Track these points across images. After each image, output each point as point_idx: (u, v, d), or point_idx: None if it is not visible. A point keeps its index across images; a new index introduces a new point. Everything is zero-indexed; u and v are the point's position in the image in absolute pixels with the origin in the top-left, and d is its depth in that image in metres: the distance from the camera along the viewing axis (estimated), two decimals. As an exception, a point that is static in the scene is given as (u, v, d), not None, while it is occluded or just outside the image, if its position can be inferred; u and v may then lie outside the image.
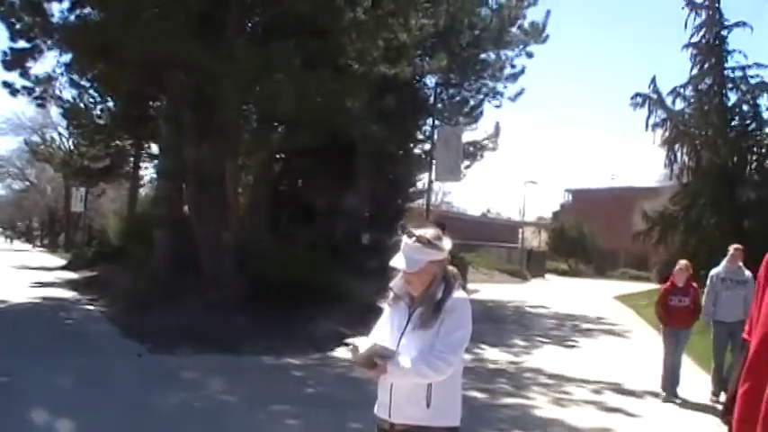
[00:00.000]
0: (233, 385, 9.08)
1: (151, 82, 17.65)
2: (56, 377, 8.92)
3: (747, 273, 8.91)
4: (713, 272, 9.56)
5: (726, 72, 28.47)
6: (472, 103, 27.50)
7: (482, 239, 52.14)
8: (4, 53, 17.52)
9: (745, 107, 28.69)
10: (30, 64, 18.51)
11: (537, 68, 58.83)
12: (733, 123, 28.49)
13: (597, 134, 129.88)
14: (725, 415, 2.91)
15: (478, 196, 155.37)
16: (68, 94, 26.69)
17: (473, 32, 25.10)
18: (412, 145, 27.76)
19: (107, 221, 41.15)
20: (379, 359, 3.08)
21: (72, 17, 16.58)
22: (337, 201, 23.62)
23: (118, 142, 31.57)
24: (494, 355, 12.85)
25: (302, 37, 14.81)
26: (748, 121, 28.43)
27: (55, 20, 16.49)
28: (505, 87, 26.95)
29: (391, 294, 3.37)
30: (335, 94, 15.00)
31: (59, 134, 44.94)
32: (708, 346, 9.89)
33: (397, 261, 3.19)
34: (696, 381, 10.20)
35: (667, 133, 29.12)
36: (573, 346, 14.60)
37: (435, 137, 25.16)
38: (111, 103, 25.82)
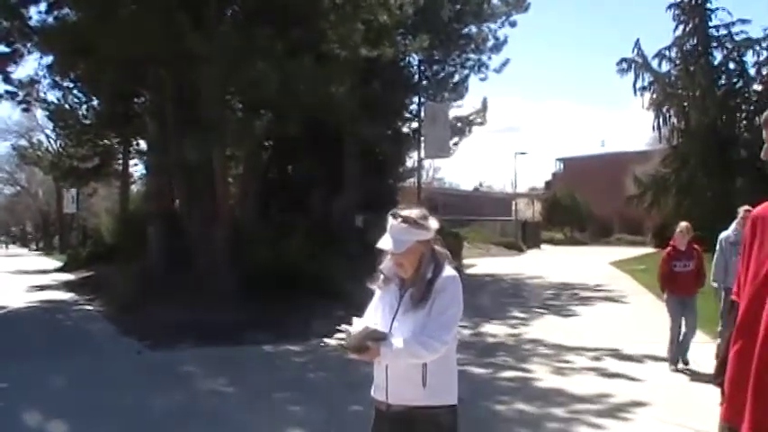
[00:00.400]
0: (233, 376, 9.09)
1: (133, 79, 17.57)
2: (57, 379, 8.92)
3: None
4: (722, 236, 8.89)
5: (710, 31, 28.51)
6: (457, 78, 27.40)
7: (476, 214, 52.24)
8: (-15, 59, 17.44)
9: (731, 65, 28.75)
10: (11, 68, 18.45)
11: (521, 42, 58.83)
12: (720, 82, 28.55)
13: (585, 106, 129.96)
14: (716, 377, 2.92)
15: (470, 171, 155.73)
16: (53, 96, 26.59)
17: (454, 7, 24.99)
18: (400, 124, 27.69)
19: (100, 221, 41.08)
20: (371, 342, 3.07)
21: (50, 19, 16.48)
22: (328, 185, 23.58)
23: (105, 141, 31.36)
24: (493, 328, 12.89)
25: (283, 24, 14.73)
26: (735, 79, 28.50)
27: (33, 23, 16.43)
28: (490, 59, 26.87)
29: (381, 277, 3.34)
30: (319, 80, 14.95)
31: (47, 136, 44.78)
32: (710, 313, 9.40)
33: (385, 243, 3.17)
34: (701, 347, 10.17)
35: (655, 96, 29.16)
36: (571, 315, 14.67)
37: (422, 114, 25.15)
38: (95, 103, 25.70)
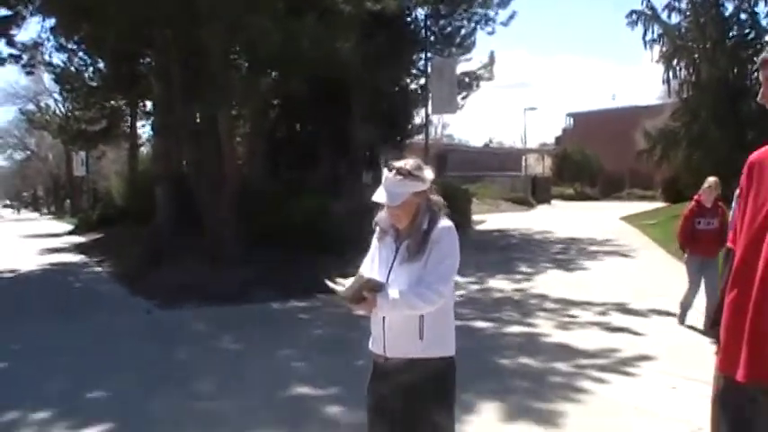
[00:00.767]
0: (240, 334, 9.17)
1: (137, 39, 17.48)
2: (68, 338, 9.04)
3: None
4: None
5: (721, -19, 28.03)
6: (464, 32, 27.11)
7: (486, 170, 52.08)
8: (-13, 23, 17.38)
9: (742, 16, 28.29)
10: (14, 31, 18.41)
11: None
12: (731, 34, 28.12)
13: (595, 59, 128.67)
14: (711, 327, 2.90)
15: (480, 127, 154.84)
16: (58, 58, 26.53)
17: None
18: (408, 80, 27.52)
19: (110, 183, 41.18)
20: (367, 292, 3.05)
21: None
22: (335, 143, 23.51)
23: (112, 103, 31.35)
24: (499, 283, 12.92)
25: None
26: (747, 30, 28.07)
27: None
28: (497, 13, 26.55)
29: (377, 229, 3.33)
30: (323, 36, 14.82)
31: (54, 100, 44.82)
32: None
33: (379, 195, 3.14)
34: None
35: (664, 49, 28.80)
36: (578, 269, 14.66)
37: (429, 70, 24.95)
38: (101, 65, 25.59)
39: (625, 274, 13.76)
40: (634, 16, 29.23)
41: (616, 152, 52.84)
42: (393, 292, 3.05)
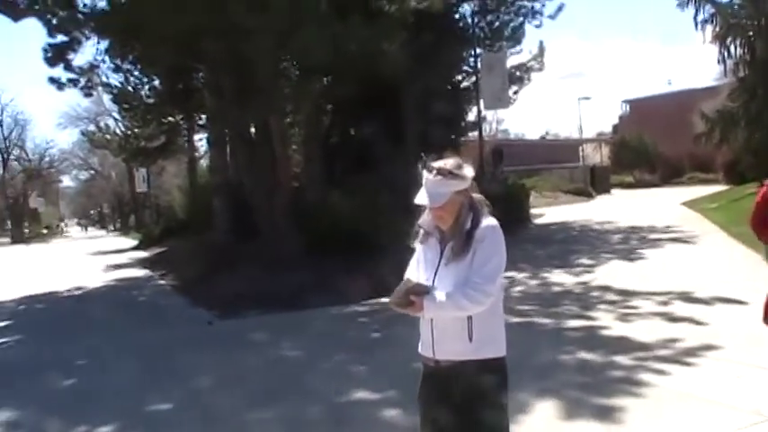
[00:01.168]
0: (299, 340, 9.28)
1: (188, 54, 17.77)
2: (132, 351, 9.25)
3: None
4: None
5: (775, -46, 27.23)
6: (512, 25, 26.90)
7: (543, 162, 51.58)
8: (45, 50, 17.83)
9: (799, -11, 27.45)
10: (71, 56, 18.81)
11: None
12: (788, 8, 27.31)
13: (647, 43, 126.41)
14: (766, 316, 2.86)
15: (535, 120, 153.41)
16: (114, 79, 27.11)
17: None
18: (460, 78, 27.43)
19: (172, 197, 41.96)
20: (414, 296, 3.05)
21: (102, 3, 16.77)
22: (390, 144, 23.54)
23: (170, 118, 31.87)
24: (559, 277, 12.79)
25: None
26: (804, 4, 27.22)
27: (86, 9, 16.72)
28: (543, 6, 26.29)
29: (420, 232, 3.31)
30: (369, 38, 14.86)
31: (114, 119, 45.79)
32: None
33: (421, 198, 3.14)
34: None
35: (717, 28, 28.08)
36: (640, 259, 14.40)
37: (479, 66, 24.84)
38: (156, 82, 26.08)
39: (687, 262, 13.46)
40: (684, -3, 28.62)
41: (674, 137, 51.74)
42: (440, 295, 3.04)
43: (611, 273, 12.83)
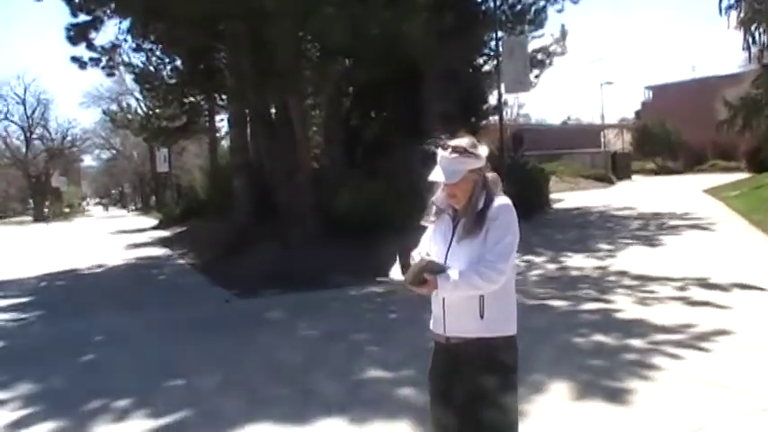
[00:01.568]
0: (317, 319, 9.33)
1: (209, 35, 17.82)
2: (151, 328, 9.37)
3: None
4: None
5: (801, -62, 26.83)
6: (534, 9, 26.72)
7: (564, 147, 51.33)
8: (68, 29, 17.99)
9: (824, -27, 27.06)
10: (93, 35, 18.98)
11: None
12: (814, -7, 26.94)
13: (671, 29, 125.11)
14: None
15: (557, 105, 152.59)
16: (136, 59, 27.21)
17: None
18: (482, 61, 27.29)
19: (193, 177, 42.14)
20: (428, 274, 3.07)
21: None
22: (411, 127, 23.50)
23: (191, 99, 31.97)
24: (578, 261, 12.78)
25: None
26: (830, -12, 26.84)
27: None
28: (566, -11, 26.07)
29: (434, 209, 3.34)
30: (390, 19, 14.83)
31: (136, 99, 46.02)
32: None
33: (437, 174, 3.17)
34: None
35: (742, 14, 27.74)
36: (659, 245, 14.35)
37: (500, 49, 24.70)
38: (178, 62, 26.16)
39: (706, 248, 13.42)
40: (709, -19, 28.30)
41: (697, 124, 51.31)
42: (453, 273, 3.06)
43: (630, 258, 12.80)
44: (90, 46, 19.41)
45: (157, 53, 26.53)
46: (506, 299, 3.23)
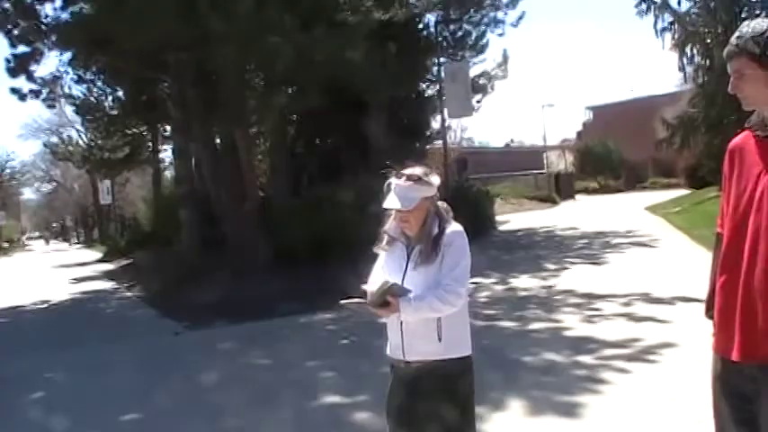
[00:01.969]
0: (269, 348, 9.32)
1: (153, 65, 17.73)
2: (99, 364, 9.22)
3: None
4: None
5: (729, -36, 27.87)
6: (475, 35, 27.16)
7: (508, 170, 51.90)
8: (7, 60, 17.75)
9: (752, -3, 28.16)
10: (33, 67, 18.75)
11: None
12: (742, 16, 27.93)
13: (608, 46, 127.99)
14: (707, 311, 3.01)
15: (499, 128, 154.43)
16: (77, 90, 26.94)
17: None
18: (425, 86, 27.59)
19: (137, 209, 41.68)
20: (390, 297, 3.15)
21: (64, 15, 16.71)
22: (355, 154, 23.63)
23: (134, 129, 31.72)
24: (525, 282, 12.98)
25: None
26: (758, 11, 27.87)
27: (49, 20, 16.67)
28: (506, 14, 26.61)
29: (385, 238, 3.43)
30: (333, 48, 14.97)
31: (77, 131, 45.42)
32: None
33: (391, 202, 3.27)
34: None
35: (677, 36, 28.67)
36: (603, 263, 14.66)
37: (442, 75, 25.03)
38: (120, 93, 25.95)
39: (649, 264, 13.73)
40: (643, 5, 29.19)
41: (637, 142, 52.47)
42: (415, 296, 3.16)
43: (576, 277, 13.07)
44: (30, 77, 19.19)
45: (99, 84, 26.35)
46: (461, 321, 3.34)
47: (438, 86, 26.15)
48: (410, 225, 3.31)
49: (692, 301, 9.14)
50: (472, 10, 26.27)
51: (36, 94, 20.15)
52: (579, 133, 74.27)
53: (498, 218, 27.95)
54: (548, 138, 62.78)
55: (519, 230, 25.14)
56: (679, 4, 28.97)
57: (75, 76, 24.16)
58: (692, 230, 17.30)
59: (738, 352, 2.59)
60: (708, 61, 28.38)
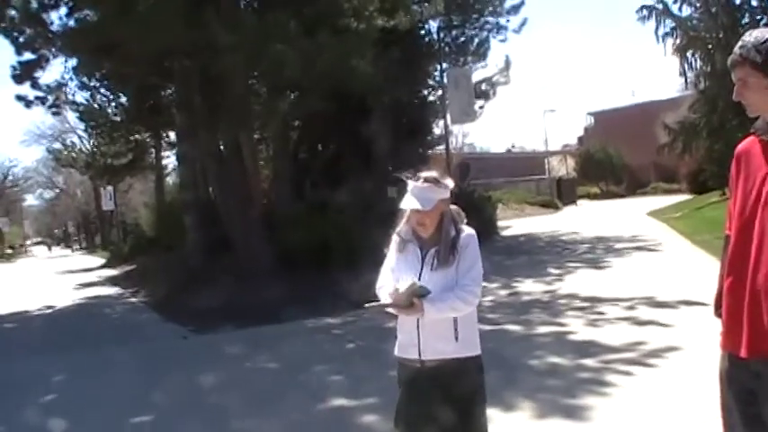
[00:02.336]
0: (276, 352, 9.39)
1: (158, 72, 17.84)
2: (108, 367, 9.29)
3: None
4: None
5: (729, -32, 28.00)
6: (477, 41, 27.29)
7: (509, 175, 52.07)
8: (13, 67, 17.85)
9: (753, 2, 28.26)
10: (38, 74, 18.85)
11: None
12: (743, 21, 28.04)
13: (610, 51, 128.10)
14: (716, 310, 3.08)
15: (501, 133, 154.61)
16: (81, 96, 27.10)
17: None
18: (426, 92, 27.70)
19: (139, 215, 41.72)
20: (416, 298, 3.22)
21: (71, 22, 16.80)
22: (358, 159, 23.70)
23: (137, 136, 31.86)
24: (529, 287, 13.07)
25: (298, 4, 14.88)
26: (759, 17, 27.98)
27: (55, 27, 16.76)
28: (508, 21, 26.75)
29: (398, 239, 3.52)
30: (337, 55, 15.06)
31: (79, 137, 45.58)
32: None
33: (410, 203, 3.35)
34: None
35: (678, 41, 28.76)
36: (606, 267, 14.76)
37: (445, 81, 25.14)
38: (123, 99, 26.08)
39: (652, 269, 13.81)
40: (644, 11, 29.30)
41: (639, 148, 52.64)
42: (437, 297, 3.25)
43: (579, 281, 13.14)
44: (35, 85, 19.29)
45: (102, 91, 26.49)
46: (473, 321, 3.45)
47: (440, 92, 26.29)
48: (426, 227, 3.39)
49: (695, 305, 9.23)
50: (474, 16, 26.39)
51: (41, 101, 20.26)
52: (580, 138, 74.43)
53: (500, 223, 28.04)
54: (549, 143, 63.00)
55: (521, 236, 25.23)
56: (680, 9, 29.10)
57: (79, 83, 24.34)
58: (693, 235, 17.40)
59: (746, 349, 2.67)
60: (709, 66, 28.47)
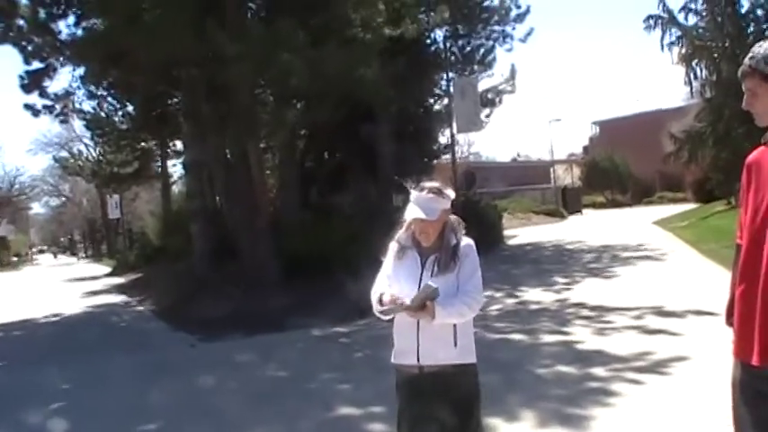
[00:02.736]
0: (283, 361, 9.41)
1: (165, 80, 17.94)
2: (117, 375, 9.32)
3: None
4: None
5: (735, -22, 28.05)
6: (483, 50, 27.32)
7: (515, 184, 52.12)
8: (21, 77, 17.90)
9: (758, 12, 28.28)
10: (46, 83, 18.90)
11: (543, 8, 58.25)
12: (749, 30, 28.07)
13: (615, 61, 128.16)
14: (728, 318, 3.10)
15: (506, 142, 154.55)
16: (88, 105, 27.23)
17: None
18: (432, 101, 27.74)
19: (145, 223, 41.83)
20: (429, 301, 3.26)
21: (79, 31, 16.90)
22: (364, 168, 23.74)
23: (143, 144, 32.00)
24: (535, 295, 13.06)
25: (305, 13, 14.94)
26: (764, 25, 28.01)
27: (63, 36, 16.85)
28: (514, 29, 26.77)
29: (396, 246, 3.58)
30: (344, 64, 15.11)
31: (86, 146, 45.80)
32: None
33: (415, 212, 3.40)
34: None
35: (683, 50, 28.80)
36: (613, 276, 14.72)
37: (451, 90, 25.17)
38: (130, 108, 26.21)
39: (660, 278, 13.78)
40: (650, 21, 29.33)
41: (644, 157, 52.62)
42: (445, 301, 3.29)
43: (586, 290, 13.12)
44: (43, 94, 19.36)
45: (109, 99, 26.62)
46: (470, 329, 3.52)
47: (446, 101, 26.30)
48: (428, 236, 3.45)
49: (703, 315, 9.23)
50: (480, 25, 26.44)
51: (49, 109, 20.32)
52: (586, 148, 74.44)
53: (506, 232, 28.07)
54: (554, 152, 62.98)
55: (527, 244, 25.22)
56: (686, 18, 29.13)
57: (86, 92, 24.44)
58: (700, 244, 17.38)
59: (758, 356, 2.68)
60: (715, 75, 28.50)
